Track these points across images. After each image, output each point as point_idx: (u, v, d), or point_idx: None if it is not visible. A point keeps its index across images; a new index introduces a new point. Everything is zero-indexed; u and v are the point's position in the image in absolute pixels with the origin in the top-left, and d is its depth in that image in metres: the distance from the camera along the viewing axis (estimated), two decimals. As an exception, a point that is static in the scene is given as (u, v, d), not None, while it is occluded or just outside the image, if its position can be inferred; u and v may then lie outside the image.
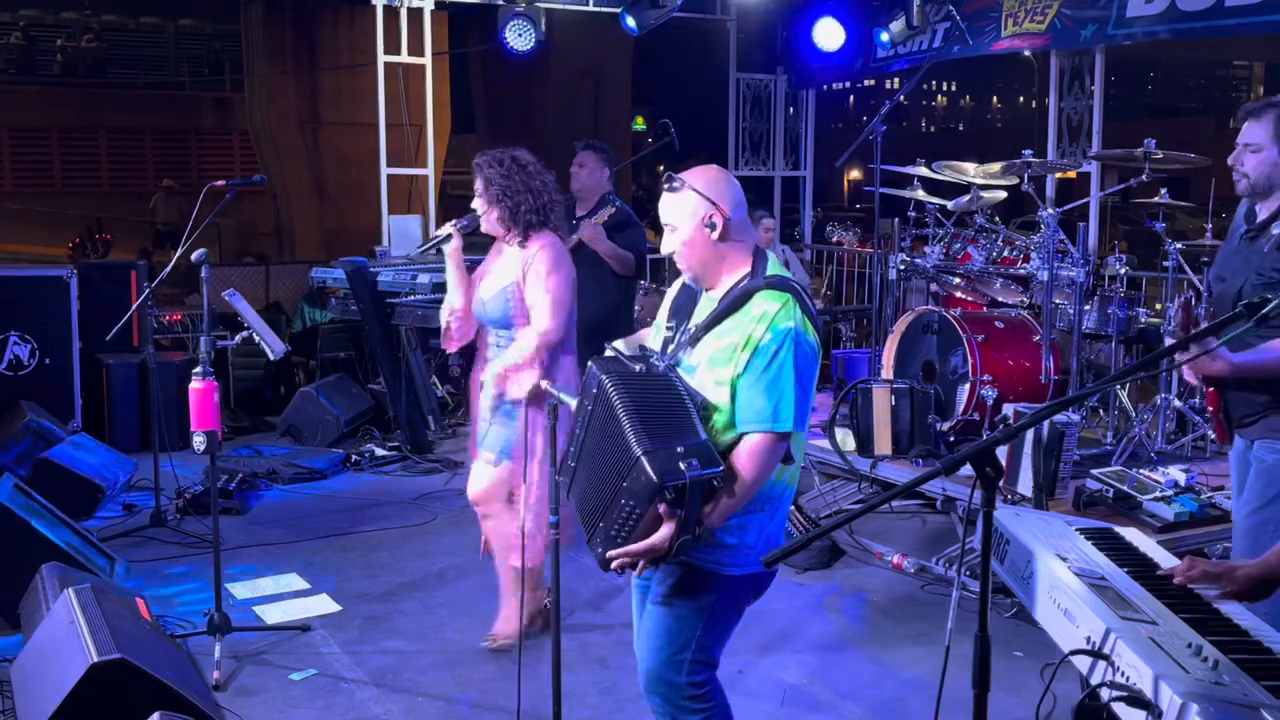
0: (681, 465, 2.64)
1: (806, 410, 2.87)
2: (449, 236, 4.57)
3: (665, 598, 2.98)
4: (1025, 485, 5.17)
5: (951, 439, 5.83)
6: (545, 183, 4.50)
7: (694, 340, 2.94)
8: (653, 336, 3.20)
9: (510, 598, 4.62)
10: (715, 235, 2.92)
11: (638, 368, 2.91)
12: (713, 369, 2.87)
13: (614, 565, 2.79)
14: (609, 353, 3.04)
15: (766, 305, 2.85)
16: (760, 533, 2.94)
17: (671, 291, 3.20)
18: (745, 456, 2.81)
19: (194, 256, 4.66)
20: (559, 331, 4.39)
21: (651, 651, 3.01)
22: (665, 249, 3.00)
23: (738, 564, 2.90)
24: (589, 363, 2.99)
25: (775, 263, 3.00)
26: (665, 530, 2.72)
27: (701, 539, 2.78)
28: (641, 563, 2.79)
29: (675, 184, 2.96)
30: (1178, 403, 6.02)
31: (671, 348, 3.02)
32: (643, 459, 2.65)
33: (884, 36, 8.58)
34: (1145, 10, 7.06)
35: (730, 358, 2.84)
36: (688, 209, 2.93)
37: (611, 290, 6.42)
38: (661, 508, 2.68)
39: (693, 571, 2.92)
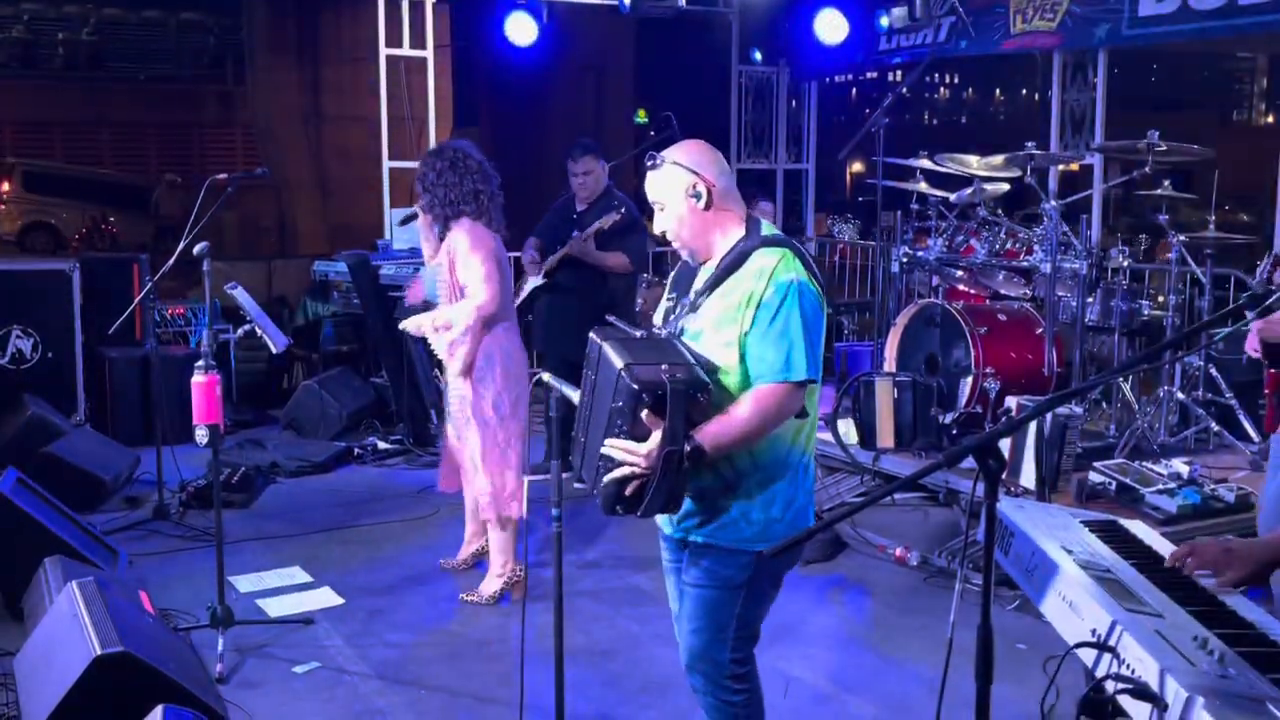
0: (663, 376, 2.70)
1: (818, 359, 2.87)
2: (415, 214, 5.10)
3: (700, 580, 2.99)
4: (1028, 478, 5.17)
5: (954, 432, 5.82)
6: (467, 175, 4.80)
7: (694, 306, 2.95)
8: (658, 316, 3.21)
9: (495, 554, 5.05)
10: (702, 205, 2.93)
11: (638, 334, 2.95)
12: (719, 331, 2.87)
13: (606, 476, 2.78)
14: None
15: (765, 261, 2.85)
16: (789, 506, 2.94)
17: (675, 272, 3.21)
18: (751, 397, 2.81)
19: (196, 250, 4.66)
20: (494, 303, 4.71)
21: (693, 631, 3.03)
22: (658, 228, 3.03)
23: (766, 539, 2.89)
24: (590, 334, 3.02)
25: (769, 226, 3.01)
26: (652, 438, 2.73)
27: (697, 463, 2.75)
28: (633, 484, 2.77)
29: (655, 162, 2.97)
30: (1181, 395, 6.02)
31: (673, 317, 3.02)
32: (622, 371, 2.72)
33: (884, 21, 8.58)
34: (1158, 9, 7.02)
35: (735, 317, 2.84)
36: (672, 183, 2.95)
37: (613, 282, 6.45)
38: (644, 414, 2.71)
39: (723, 553, 2.93)
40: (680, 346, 2.88)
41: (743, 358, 2.84)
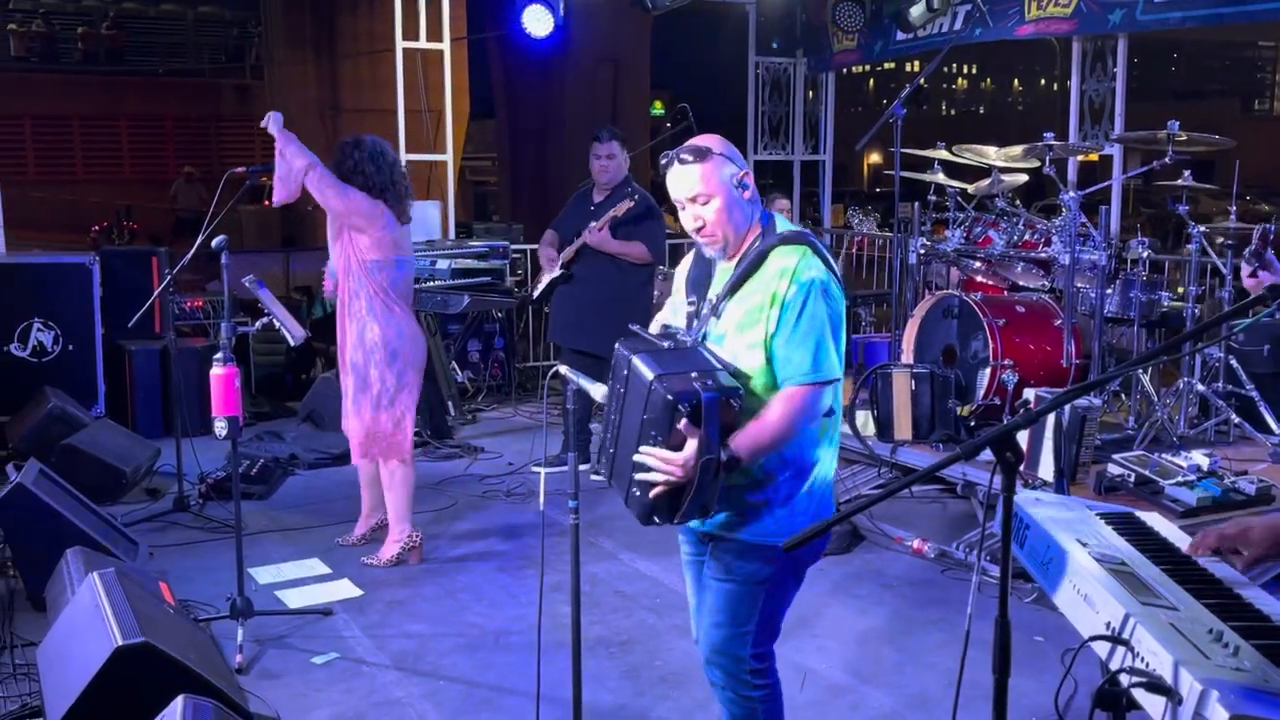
0: (695, 385, 2.70)
1: (842, 355, 2.88)
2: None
3: (724, 573, 2.99)
4: (1046, 470, 5.15)
5: (972, 424, 5.81)
6: (384, 166, 5.17)
7: (716, 310, 2.94)
8: (670, 315, 3.19)
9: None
10: (748, 195, 2.94)
11: (665, 344, 2.92)
12: (742, 334, 2.87)
13: (639, 476, 2.78)
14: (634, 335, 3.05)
15: (785, 260, 2.84)
16: (813, 500, 2.96)
17: (682, 269, 3.18)
18: (781, 400, 2.81)
19: (214, 243, 4.68)
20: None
21: (714, 625, 3.02)
22: (695, 223, 2.93)
23: (789, 533, 2.87)
24: (616, 345, 2.99)
25: (782, 219, 3.00)
26: (689, 447, 2.72)
27: (731, 471, 2.76)
28: (664, 489, 2.76)
29: (698, 155, 2.89)
30: (1200, 387, 5.98)
31: (696, 322, 3.01)
32: (655, 382, 2.71)
33: (903, 23, 8.56)
34: None
35: (758, 319, 2.83)
36: (723, 175, 2.89)
37: (630, 274, 6.45)
38: (682, 423, 2.69)
39: (746, 547, 2.93)
40: (706, 354, 2.87)
41: (769, 360, 2.84)
